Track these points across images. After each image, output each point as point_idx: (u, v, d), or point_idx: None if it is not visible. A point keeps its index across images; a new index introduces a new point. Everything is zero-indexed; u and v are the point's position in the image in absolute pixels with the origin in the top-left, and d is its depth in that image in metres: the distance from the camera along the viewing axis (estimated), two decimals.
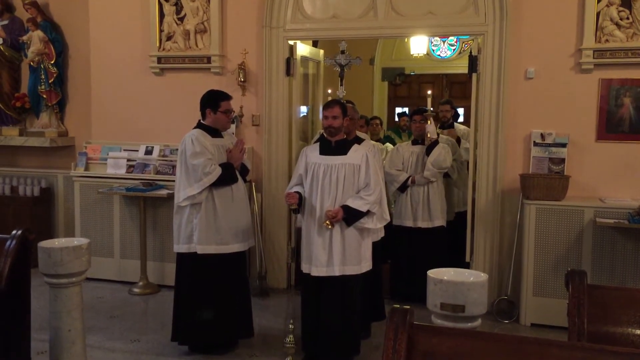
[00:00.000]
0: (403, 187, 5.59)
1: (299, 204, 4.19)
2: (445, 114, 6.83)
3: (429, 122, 5.57)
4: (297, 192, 4.20)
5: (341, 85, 4.82)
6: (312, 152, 4.29)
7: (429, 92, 5.86)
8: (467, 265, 5.45)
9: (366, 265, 4.22)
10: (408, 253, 5.59)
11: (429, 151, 5.52)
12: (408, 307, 2.07)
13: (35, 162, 7.11)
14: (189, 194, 4.22)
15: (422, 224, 5.55)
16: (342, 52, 4.83)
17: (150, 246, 5.97)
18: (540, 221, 5.02)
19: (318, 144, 4.31)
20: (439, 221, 5.58)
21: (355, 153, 4.17)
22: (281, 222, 5.96)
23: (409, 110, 8.59)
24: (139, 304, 5.63)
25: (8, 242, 3.29)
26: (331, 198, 4.09)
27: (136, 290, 5.86)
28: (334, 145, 4.21)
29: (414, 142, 5.77)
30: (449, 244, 5.74)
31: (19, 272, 3.30)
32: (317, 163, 4.19)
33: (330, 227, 4.03)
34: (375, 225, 4.19)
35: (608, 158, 5.21)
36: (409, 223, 5.58)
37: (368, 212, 4.09)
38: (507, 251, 5.40)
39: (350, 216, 4.04)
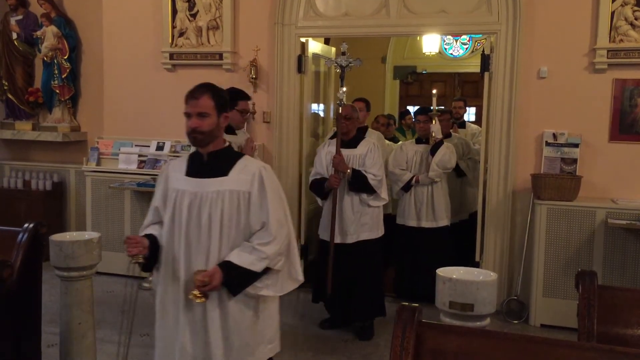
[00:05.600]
0: (407, 187, 5.49)
1: (148, 256, 2.68)
2: (458, 111, 6.83)
3: (433, 121, 5.47)
4: (147, 237, 2.73)
5: (341, 86, 4.75)
6: (174, 172, 2.75)
7: (434, 91, 5.74)
8: (477, 265, 5.43)
9: (270, 349, 2.83)
10: (411, 253, 5.53)
11: (433, 151, 5.42)
12: (416, 305, 2.07)
13: (47, 156, 7.16)
14: None
15: (426, 224, 5.46)
16: (343, 53, 4.76)
17: None
18: (551, 221, 4.99)
19: (185, 158, 2.80)
20: (443, 221, 5.50)
21: (242, 173, 2.65)
22: (292, 217, 5.94)
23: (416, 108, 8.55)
24: (149, 299, 5.64)
25: (20, 236, 3.32)
26: (202, 250, 2.60)
27: (146, 284, 5.88)
28: (207, 160, 2.68)
29: (418, 141, 5.67)
30: (462, 243, 5.71)
31: (30, 265, 3.33)
32: (180, 190, 2.67)
33: (201, 300, 2.53)
34: (281, 291, 2.74)
35: (621, 159, 5.17)
36: (412, 223, 5.49)
37: (268, 271, 2.62)
38: (517, 251, 5.37)
39: (235, 280, 2.55)
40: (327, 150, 4.80)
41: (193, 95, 2.63)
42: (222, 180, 2.63)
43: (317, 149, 5.21)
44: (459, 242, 5.78)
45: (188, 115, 2.62)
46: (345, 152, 4.64)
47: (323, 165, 4.78)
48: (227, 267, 2.54)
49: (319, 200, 4.92)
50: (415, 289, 5.32)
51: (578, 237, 4.94)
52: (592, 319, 2.51)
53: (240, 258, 2.55)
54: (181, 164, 2.76)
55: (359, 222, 4.66)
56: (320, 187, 4.77)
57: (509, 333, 2.13)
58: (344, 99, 4.72)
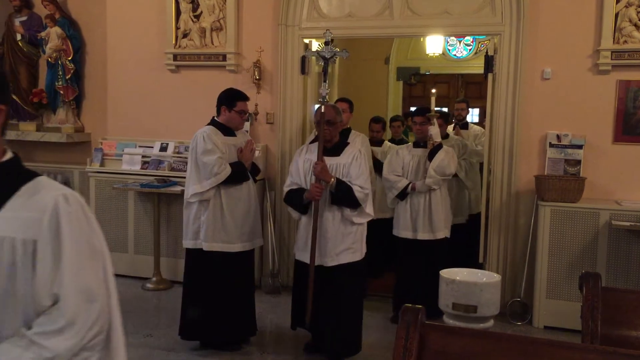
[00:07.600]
0: (402, 195, 5.02)
1: None
2: (461, 112, 6.80)
3: (432, 124, 5.09)
4: None
5: (324, 81, 4.15)
6: None
7: (433, 91, 5.34)
8: (480, 266, 5.42)
9: None
10: (407, 264, 5.10)
11: (431, 156, 4.97)
12: (420, 306, 2.07)
13: (51, 157, 7.18)
14: (196, 191, 4.24)
15: (422, 235, 4.98)
16: (327, 43, 4.21)
17: (164, 242, 6.01)
18: (554, 223, 4.98)
19: None
20: (442, 233, 5.03)
21: (25, 209, 1.52)
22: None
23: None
24: (152, 300, 5.66)
25: None
26: None
27: (149, 285, 5.90)
28: None
29: (416, 145, 5.19)
30: (458, 248, 5.54)
31: None
32: None
33: None
34: None
35: (625, 160, 5.16)
36: (407, 234, 5.03)
37: None
38: (520, 253, 5.36)
39: None
40: (305, 157, 4.24)
41: None
42: None
43: (295, 155, 4.65)
44: (455, 246, 5.46)
45: None
46: (326, 160, 4.07)
47: (300, 173, 4.22)
48: None
49: (294, 215, 4.35)
50: (413, 298, 5.10)
51: (582, 238, 4.93)
52: (595, 320, 2.50)
53: (7, 358, 1.45)
54: None
55: (342, 242, 4.09)
56: (297, 199, 4.17)
57: (512, 334, 2.13)
58: (327, 98, 4.21)
